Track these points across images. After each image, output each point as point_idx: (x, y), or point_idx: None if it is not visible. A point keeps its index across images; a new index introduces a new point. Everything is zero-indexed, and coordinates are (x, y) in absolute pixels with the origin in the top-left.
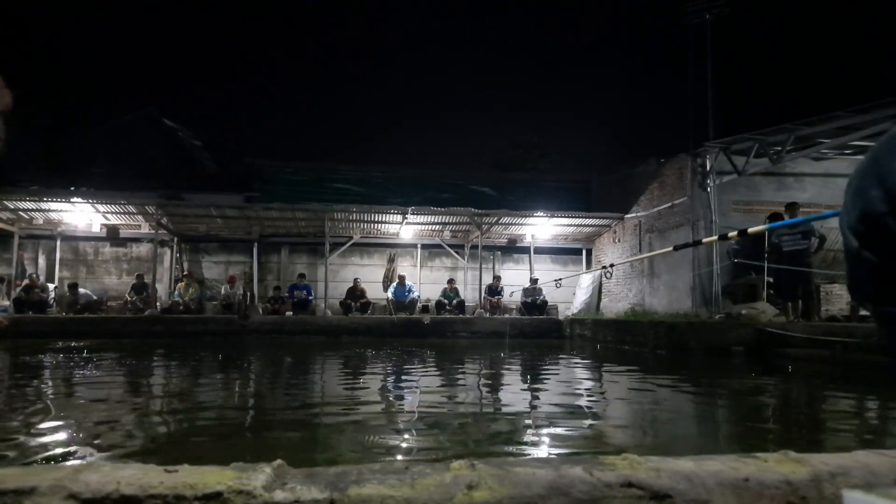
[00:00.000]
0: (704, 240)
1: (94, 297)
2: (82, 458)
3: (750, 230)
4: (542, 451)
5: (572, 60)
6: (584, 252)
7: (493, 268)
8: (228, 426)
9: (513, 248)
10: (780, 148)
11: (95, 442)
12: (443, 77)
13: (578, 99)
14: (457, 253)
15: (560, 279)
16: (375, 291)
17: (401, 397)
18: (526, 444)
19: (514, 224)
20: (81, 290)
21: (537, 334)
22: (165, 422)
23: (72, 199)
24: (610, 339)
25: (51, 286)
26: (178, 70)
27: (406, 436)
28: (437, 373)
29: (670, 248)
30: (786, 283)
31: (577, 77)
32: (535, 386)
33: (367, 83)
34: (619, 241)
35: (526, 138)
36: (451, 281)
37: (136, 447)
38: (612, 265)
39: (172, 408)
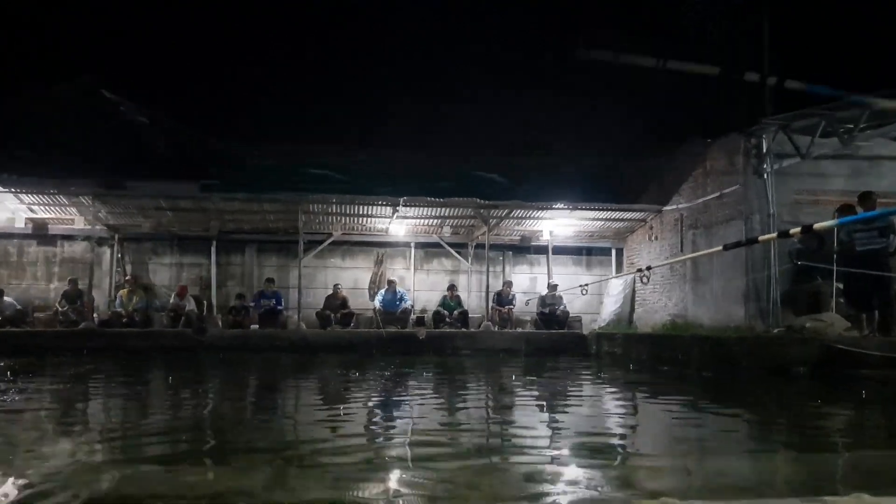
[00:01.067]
0: (760, 238)
1: (19, 307)
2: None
3: (815, 226)
4: (568, 496)
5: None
6: (613, 252)
7: (503, 272)
8: (178, 461)
9: (527, 248)
10: (851, 125)
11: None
12: (450, 54)
13: (606, 67)
14: (459, 253)
15: (586, 285)
16: (360, 300)
17: (392, 431)
18: (547, 487)
19: (529, 218)
20: (7, 299)
21: (557, 352)
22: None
23: None
24: (645, 358)
25: None
26: (121, 30)
27: (402, 483)
28: (436, 402)
29: (720, 248)
30: (859, 290)
31: (606, 40)
32: (556, 416)
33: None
34: (655, 238)
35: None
36: (451, 287)
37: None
38: (648, 268)
39: (106, 444)
